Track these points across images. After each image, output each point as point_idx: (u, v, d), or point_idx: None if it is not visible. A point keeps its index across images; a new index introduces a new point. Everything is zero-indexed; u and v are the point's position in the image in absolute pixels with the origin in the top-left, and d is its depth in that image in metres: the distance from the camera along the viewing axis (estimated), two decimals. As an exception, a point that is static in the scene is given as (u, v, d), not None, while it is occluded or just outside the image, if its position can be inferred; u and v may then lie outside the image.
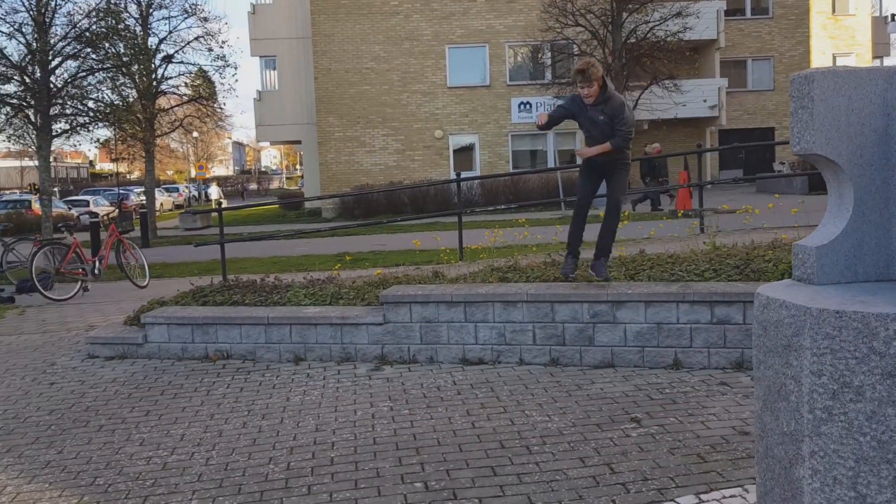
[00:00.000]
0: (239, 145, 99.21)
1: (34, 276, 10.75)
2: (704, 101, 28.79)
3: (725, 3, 30.10)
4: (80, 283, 11.21)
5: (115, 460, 4.29)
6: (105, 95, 20.39)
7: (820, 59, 32.57)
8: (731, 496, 3.37)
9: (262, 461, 4.14)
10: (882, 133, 2.68)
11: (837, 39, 32.58)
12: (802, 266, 2.74)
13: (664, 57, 22.27)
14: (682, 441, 4.05)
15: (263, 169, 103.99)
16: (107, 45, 19.26)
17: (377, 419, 4.71)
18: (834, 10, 32.69)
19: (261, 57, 31.78)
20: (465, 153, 29.12)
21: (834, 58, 32.55)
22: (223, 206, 31.75)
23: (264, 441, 4.45)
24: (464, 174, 26.45)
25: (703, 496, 3.40)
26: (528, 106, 28.55)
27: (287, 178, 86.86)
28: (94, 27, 18.90)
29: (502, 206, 13.33)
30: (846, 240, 2.69)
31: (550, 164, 28.04)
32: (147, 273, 11.90)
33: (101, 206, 33.37)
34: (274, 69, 31.50)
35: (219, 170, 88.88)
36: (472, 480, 3.73)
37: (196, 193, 51.98)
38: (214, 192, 51.49)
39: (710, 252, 6.42)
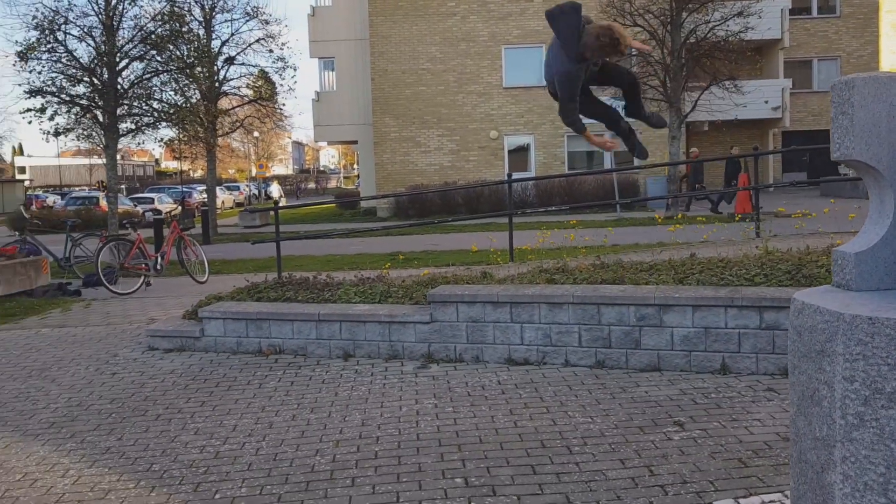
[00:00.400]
0: (298, 145, 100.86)
1: (100, 270, 11.20)
2: (766, 102, 28.19)
3: (790, 2, 29.41)
4: (142, 277, 11.62)
5: (171, 448, 4.48)
6: (169, 96, 21.04)
7: (890, 59, 31.59)
8: (770, 501, 3.37)
9: (310, 453, 4.28)
10: (925, 139, 2.66)
11: (909, 38, 31.53)
12: (841, 272, 2.73)
13: (724, 57, 21.87)
14: (724, 445, 4.05)
15: (322, 168, 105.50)
16: (171, 47, 19.87)
17: (421, 416, 4.81)
18: (905, 8, 31.65)
19: (319, 58, 32.28)
20: (520, 154, 29.10)
21: (904, 57, 31.53)
22: (281, 204, 32.38)
23: (312, 434, 4.59)
24: (518, 175, 26.55)
25: (741, 500, 3.40)
26: (584, 107, 28.34)
27: (344, 178, 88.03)
28: (159, 30, 19.51)
29: (553, 208, 13.26)
30: (886, 246, 2.67)
31: (607, 166, 27.80)
32: (206, 269, 12.26)
33: (165, 204, 34.37)
34: (332, 70, 31.97)
35: (279, 169, 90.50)
36: (512, 478, 3.80)
37: (256, 192, 53.04)
38: (275, 190, 52.52)
39: (762, 257, 6.35)
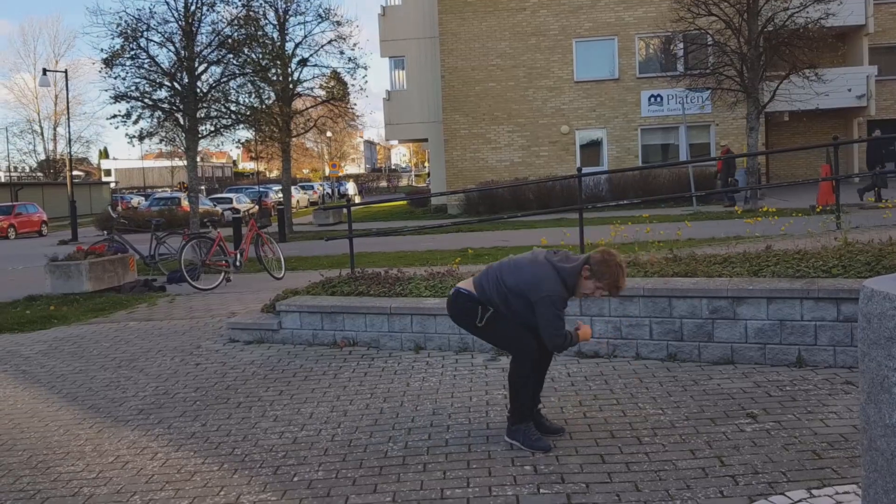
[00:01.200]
0: (370, 144, 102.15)
1: (183, 267, 11.65)
2: (849, 90, 27.13)
3: (874, -13, 28.28)
4: (223, 273, 12.03)
5: (252, 434, 4.68)
6: (245, 98, 21.65)
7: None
8: (843, 492, 3.32)
9: (383, 440, 4.41)
10: None
11: None
12: (916, 259, 2.68)
13: (804, 45, 21.15)
14: (798, 438, 4.00)
15: (393, 167, 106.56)
16: (246, 51, 20.45)
17: (491, 406, 4.89)
18: None
19: (390, 58, 32.63)
20: (592, 148, 28.81)
21: None
22: (356, 201, 32.92)
23: (385, 422, 4.72)
24: (590, 169, 26.28)
25: (814, 491, 3.36)
26: (658, 99, 27.91)
27: (416, 176, 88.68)
28: (235, 34, 20.10)
29: (625, 202, 13.11)
30: (964, 232, 2.62)
31: (683, 158, 27.29)
32: (283, 265, 12.61)
33: (243, 203, 35.37)
34: (402, 69, 32.28)
35: (351, 168, 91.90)
36: (581, 466, 3.84)
37: (329, 191, 54.02)
38: (351, 188, 53.44)
39: (840, 248, 6.19)
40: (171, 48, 19.88)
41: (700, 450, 3.94)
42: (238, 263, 12.33)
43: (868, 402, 2.60)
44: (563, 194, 24.64)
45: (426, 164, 69.98)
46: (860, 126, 30.38)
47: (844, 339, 5.14)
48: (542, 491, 3.59)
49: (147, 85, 19.97)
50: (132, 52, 19.54)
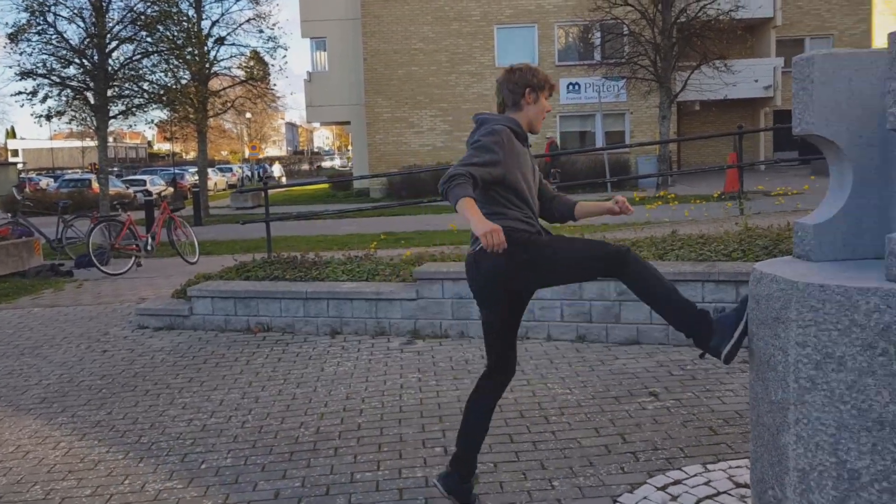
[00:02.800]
0: (292, 126, 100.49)
1: (91, 251, 11.25)
2: (756, 81, 28.19)
3: (783, -19, 29.38)
4: (133, 258, 11.69)
5: (159, 422, 4.58)
6: (159, 78, 20.99)
7: (882, 36, 31.55)
8: (736, 466, 3.48)
9: (294, 425, 4.39)
10: (883, 115, 2.74)
11: (900, 16, 31.51)
12: (802, 243, 2.83)
13: (715, 36, 21.88)
14: (696, 415, 4.17)
15: (316, 150, 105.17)
16: (160, 28, 19.80)
17: (405, 389, 4.92)
18: (897, -14, 31.60)
19: (311, 38, 32.13)
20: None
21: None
22: (282, 184, 32.41)
23: (297, 407, 4.70)
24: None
25: (709, 466, 3.52)
26: (576, 87, 28.37)
27: (340, 159, 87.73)
28: (148, 11, 19.43)
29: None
30: (844, 218, 2.77)
31: (599, 145, 27.86)
32: (197, 249, 12.33)
33: (158, 186, 34.34)
34: (324, 50, 31.83)
35: (272, 150, 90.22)
36: (490, 446, 3.91)
37: (249, 174, 52.92)
38: (277, 170, 52.53)
39: (741, 233, 6.46)
40: (81, 24, 19.11)
41: (604, 427, 4.07)
42: (149, 247, 12.01)
43: (756, 380, 2.73)
44: (485, 179, 24.81)
45: (349, 147, 69.37)
46: (767, 116, 31.61)
47: (743, 321, 5.37)
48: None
49: (55, 62, 19.15)
50: (39, 28, 18.68)
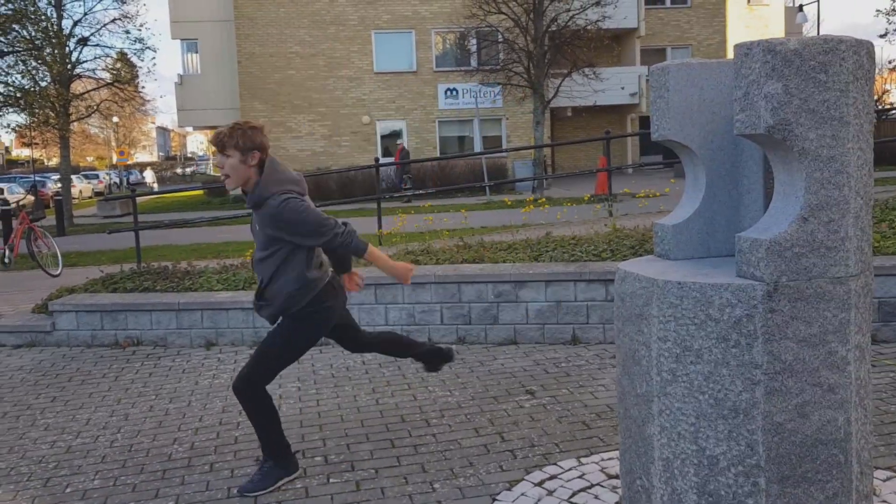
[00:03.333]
0: (163, 130, 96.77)
1: (-61, 265, 10.44)
2: (622, 88, 29.47)
3: (646, -8, 30.87)
4: (-12, 272, 10.93)
5: (19, 445, 4.30)
6: (16, 79, 19.73)
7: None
8: (608, 458, 3.63)
9: (167, 442, 4.22)
10: (731, 121, 2.93)
11: (752, 29, 33.73)
12: (661, 243, 2.98)
13: (584, 45, 22.73)
14: (570, 410, 4.31)
15: (190, 155, 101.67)
16: (16, 27, 18.62)
17: (284, 399, 4.83)
18: (749, 0, 33.83)
19: (182, 40, 31.07)
20: (392, 139, 29.14)
21: (748, 47, 33.68)
22: (155, 189, 31.08)
23: (170, 423, 4.52)
24: (389, 160, 26.60)
25: (583, 459, 3.64)
26: (454, 92, 28.75)
27: (214, 165, 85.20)
28: (2, 9, 18.24)
29: (421, 192, 13.44)
30: (699, 218, 2.94)
31: (477, 150, 28.33)
32: (60, 261, 11.65)
33: (16, 194, 32.21)
34: (196, 52, 30.84)
35: (142, 156, 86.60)
36: (371, 453, 3.90)
37: (117, 180, 50.52)
38: (149, 176, 50.27)
39: (610, 234, 6.73)
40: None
41: (483, 427, 4.14)
42: (7, 260, 11.26)
43: (623, 374, 2.85)
44: (365, 184, 24.75)
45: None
46: (633, 122, 33.10)
47: (612, 318, 5.60)
48: (331, 480, 3.61)
49: None
50: None
